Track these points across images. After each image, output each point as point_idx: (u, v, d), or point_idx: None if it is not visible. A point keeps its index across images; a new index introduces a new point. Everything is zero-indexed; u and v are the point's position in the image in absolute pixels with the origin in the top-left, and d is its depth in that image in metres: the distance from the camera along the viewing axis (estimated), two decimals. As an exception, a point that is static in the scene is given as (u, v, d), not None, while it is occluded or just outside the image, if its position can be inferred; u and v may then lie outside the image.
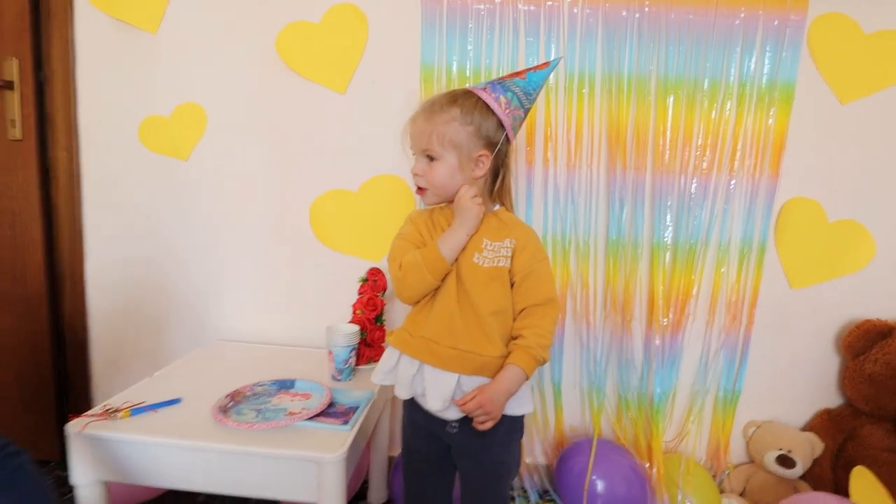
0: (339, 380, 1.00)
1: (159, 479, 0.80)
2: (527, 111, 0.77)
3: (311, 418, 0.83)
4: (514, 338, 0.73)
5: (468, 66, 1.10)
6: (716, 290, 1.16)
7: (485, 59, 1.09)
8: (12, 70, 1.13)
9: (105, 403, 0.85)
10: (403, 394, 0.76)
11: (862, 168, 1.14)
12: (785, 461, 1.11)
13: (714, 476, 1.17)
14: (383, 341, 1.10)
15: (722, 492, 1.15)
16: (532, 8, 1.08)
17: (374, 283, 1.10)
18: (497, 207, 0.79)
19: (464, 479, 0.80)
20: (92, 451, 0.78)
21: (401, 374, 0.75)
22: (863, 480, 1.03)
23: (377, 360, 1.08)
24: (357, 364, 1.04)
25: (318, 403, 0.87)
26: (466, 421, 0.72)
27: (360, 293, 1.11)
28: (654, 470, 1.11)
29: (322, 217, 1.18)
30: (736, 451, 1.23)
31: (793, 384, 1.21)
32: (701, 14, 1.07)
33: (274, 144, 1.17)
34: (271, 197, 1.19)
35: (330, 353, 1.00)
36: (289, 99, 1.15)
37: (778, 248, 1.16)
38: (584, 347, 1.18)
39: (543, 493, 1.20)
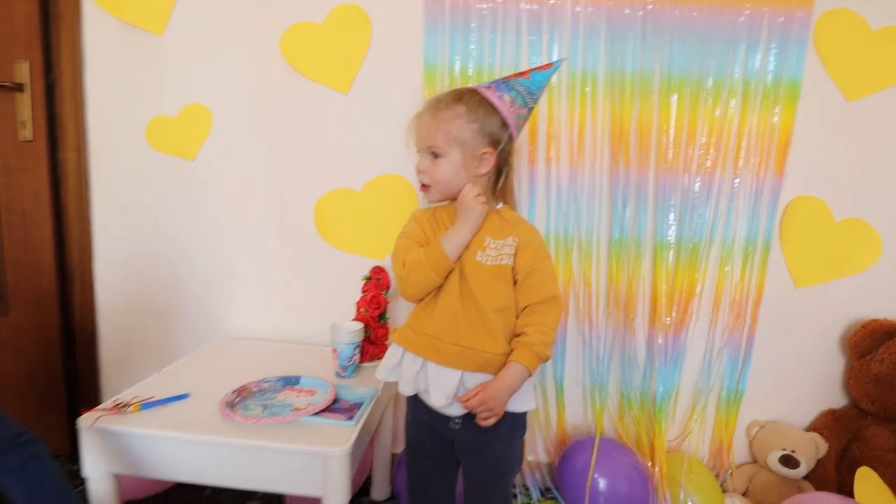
0: (343, 377, 1.02)
1: (168, 471, 0.82)
2: (530, 110, 0.78)
3: (316, 414, 0.84)
4: (517, 335, 0.73)
5: (471, 66, 1.10)
6: (719, 289, 1.16)
7: (487, 58, 1.10)
8: (23, 72, 1.15)
9: (115, 398, 0.87)
10: (407, 390, 0.77)
11: (869, 166, 1.13)
12: (788, 461, 1.11)
13: (717, 475, 1.17)
14: (387, 339, 1.11)
15: (725, 491, 1.15)
16: (535, 7, 1.08)
17: (377, 282, 1.11)
18: (500, 206, 0.79)
19: (467, 475, 0.81)
20: (103, 444, 0.80)
21: (404, 370, 0.76)
22: (868, 481, 1.03)
23: (381, 358, 1.09)
24: (361, 361, 1.06)
25: (323, 399, 0.88)
26: (469, 417, 0.73)
27: (363, 291, 1.12)
28: (657, 469, 1.12)
29: (326, 216, 1.19)
30: (739, 451, 1.22)
31: (797, 384, 1.20)
32: (705, 11, 1.07)
33: (278, 144, 1.18)
34: (276, 196, 1.20)
35: (334, 350, 1.01)
36: (293, 99, 1.16)
37: (783, 246, 1.15)
38: (586, 346, 1.18)
39: (545, 491, 1.21)
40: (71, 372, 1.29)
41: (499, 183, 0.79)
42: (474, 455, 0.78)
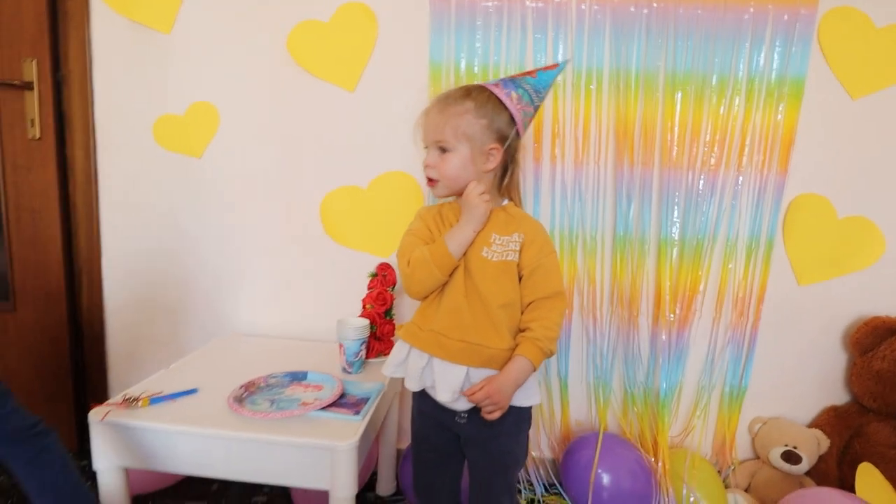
0: (349, 372, 1.03)
1: (177, 465, 0.83)
2: (536, 108, 0.79)
3: (323, 408, 0.85)
4: (522, 330, 0.74)
5: (476, 64, 1.10)
6: (723, 286, 1.16)
7: (493, 56, 1.10)
8: (32, 71, 1.16)
9: (125, 392, 0.88)
10: (413, 386, 0.77)
11: (872, 164, 1.13)
12: (790, 457, 1.12)
13: (719, 471, 1.18)
14: (392, 335, 1.12)
15: (727, 487, 1.16)
16: (540, 5, 1.09)
17: (383, 278, 1.11)
18: (505, 202, 0.80)
19: (472, 468, 0.82)
20: (113, 438, 0.81)
21: (410, 366, 0.77)
22: (869, 477, 1.03)
23: (387, 354, 1.11)
24: (367, 357, 1.06)
25: (330, 394, 0.89)
26: (475, 411, 0.74)
27: (369, 288, 1.13)
28: (660, 464, 1.12)
29: (332, 213, 1.20)
30: (742, 447, 1.23)
31: (799, 381, 1.21)
32: (709, 9, 1.07)
33: (285, 142, 1.19)
34: (283, 193, 1.21)
35: (341, 346, 1.02)
36: (299, 97, 1.17)
37: (786, 244, 1.16)
38: (590, 342, 1.19)
39: (549, 487, 1.22)
40: (79, 368, 1.30)
41: (505, 179, 0.79)
42: (480, 449, 0.79)
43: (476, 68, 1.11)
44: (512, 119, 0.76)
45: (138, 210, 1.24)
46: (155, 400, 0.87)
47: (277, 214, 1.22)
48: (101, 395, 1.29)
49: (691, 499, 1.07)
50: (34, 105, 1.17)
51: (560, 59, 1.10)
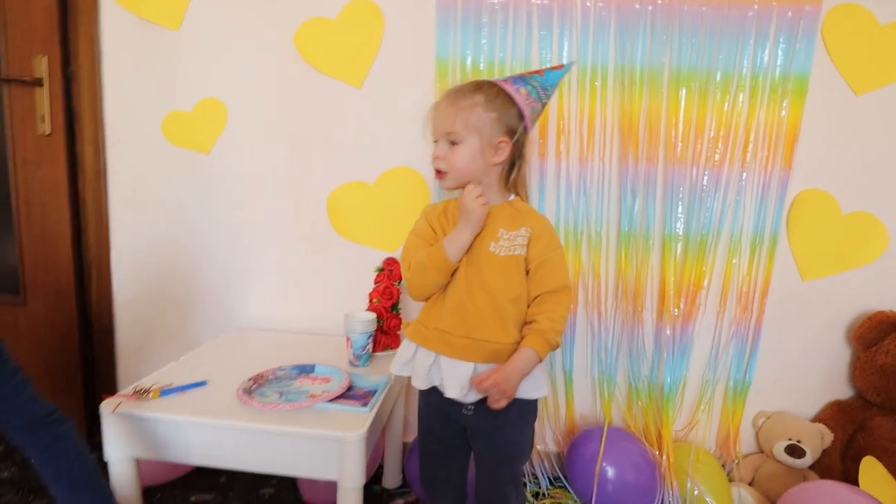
0: (356, 365, 1.04)
1: (188, 456, 0.84)
2: (543, 105, 0.80)
3: (331, 400, 0.86)
4: (528, 323, 0.75)
5: (482, 60, 1.11)
6: (727, 281, 1.17)
7: (498, 52, 1.11)
8: (42, 67, 1.17)
9: (135, 384, 0.89)
10: (421, 384, 0.78)
11: (876, 160, 1.14)
12: (794, 451, 1.12)
13: (723, 465, 1.19)
14: (399, 329, 1.13)
15: (731, 480, 1.17)
16: (545, 2, 1.09)
17: (390, 273, 1.12)
18: (512, 197, 0.81)
19: (478, 459, 0.83)
20: (124, 429, 0.82)
21: (418, 365, 0.78)
22: (872, 470, 1.04)
23: (393, 347, 1.12)
24: (374, 351, 1.07)
25: (337, 387, 0.90)
26: (481, 403, 0.75)
27: (376, 282, 1.14)
28: (664, 458, 1.13)
29: (339, 208, 1.21)
30: (746, 442, 1.24)
31: (803, 375, 1.22)
32: (714, 6, 1.08)
33: (293, 138, 1.20)
34: (290, 189, 1.22)
35: (348, 339, 1.03)
36: (307, 93, 1.18)
37: (790, 239, 1.17)
38: (595, 337, 1.20)
39: (554, 480, 1.22)
40: (88, 362, 1.31)
41: (512, 174, 0.80)
42: (486, 440, 0.80)
43: (482, 65, 1.12)
44: (520, 114, 0.76)
45: (147, 205, 1.25)
46: (165, 392, 0.88)
47: (285, 210, 1.23)
48: (109, 389, 1.30)
49: (695, 492, 1.08)
50: (44, 101, 1.18)
51: (565, 55, 1.11)
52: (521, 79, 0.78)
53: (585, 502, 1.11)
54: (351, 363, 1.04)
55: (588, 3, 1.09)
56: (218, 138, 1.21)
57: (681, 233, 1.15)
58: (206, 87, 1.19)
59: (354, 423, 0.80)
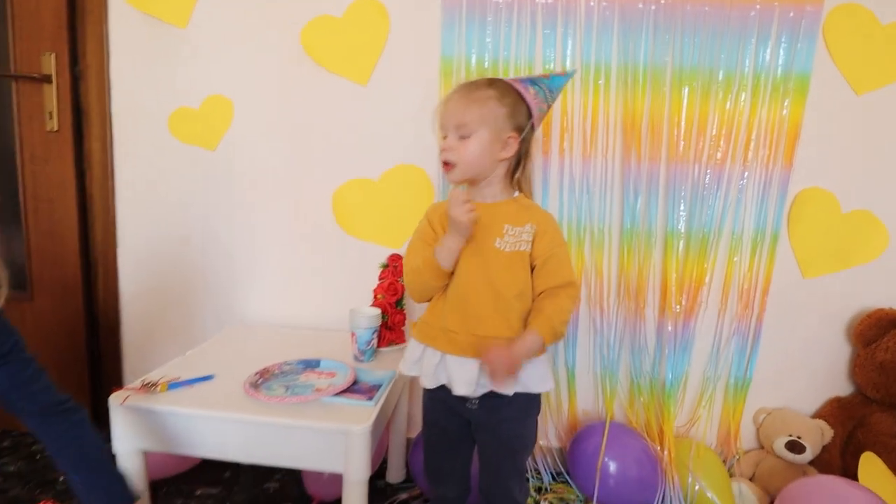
0: (361, 360, 1.05)
1: (195, 448, 0.85)
2: (548, 107, 0.82)
3: (337, 394, 0.87)
4: (535, 312, 0.76)
5: (487, 59, 1.12)
6: (728, 279, 1.18)
7: (503, 51, 1.12)
8: (50, 64, 1.18)
9: (144, 377, 0.90)
10: (429, 383, 0.78)
11: (877, 159, 1.14)
12: (794, 446, 1.13)
13: (724, 460, 1.20)
14: (403, 325, 1.14)
15: (732, 476, 1.18)
16: (549, 1, 1.10)
17: (394, 269, 1.13)
18: (517, 194, 0.82)
19: (482, 452, 0.83)
20: (132, 421, 0.83)
21: (425, 364, 0.79)
22: (871, 466, 1.05)
23: (398, 343, 1.13)
24: (378, 346, 1.08)
25: (343, 381, 0.91)
26: (486, 397, 0.76)
27: (380, 278, 1.14)
28: (666, 453, 1.14)
29: (344, 205, 1.22)
30: (746, 437, 1.25)
31: (803, 372, 1.23)
32: (716, 6, 1.09)
33: (298, 135, 1.21)
34: (295, 186, 1.23)
35: (353, 334, 1.04)
36: (313, 91, 1.19)
37: (791, 237, 1.18)
38: (597, 333, 1.21)
39: (557, 475, 1.23)
40: (94, 357, 1.32)
41: (517, 172, 0.81)
42: (490, 433, 0.80)
43: (486, 63, 1.13)
44: (529, 112, 0.78)
45: (153, 201, 1.26)
46: (173, 385, 0.89)
47: (290, 206, 1.24)
48: (115, 383, 1.30)
49: (696, 487, 1.09)
50: (52, 98, 1.19)
51: (569, 54, 1.12)
52: (530, 79, 0.80)
53: (587, 497, 1.12)
54: (356, 358, 1.05)
55: (592, 3, 1.10)
56: (224, 135, 1.22)
57: (683, 230, 1.16)
58: (213, 84, 1.21)
59: (360, 417, 0.81)
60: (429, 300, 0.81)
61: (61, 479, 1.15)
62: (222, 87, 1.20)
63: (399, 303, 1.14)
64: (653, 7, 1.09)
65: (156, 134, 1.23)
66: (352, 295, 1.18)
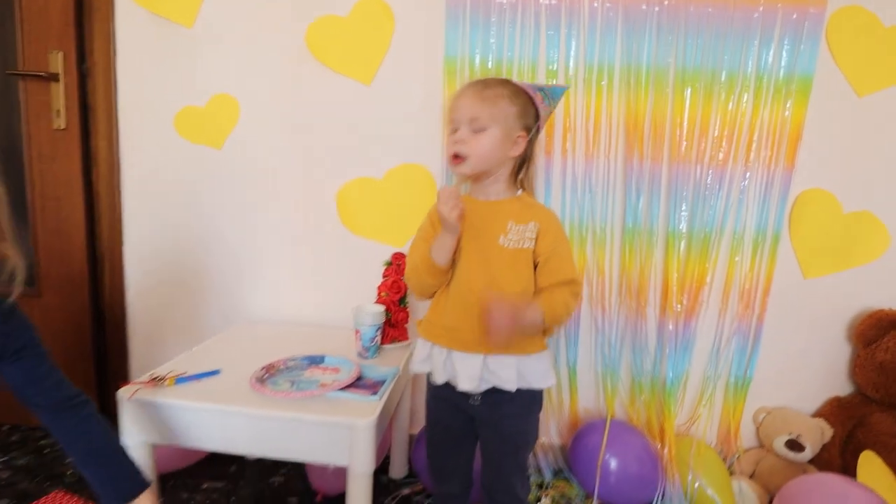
0: (365, 357, 1.06)
1: (202, 441, 0.86)
2: (548, 113, 0.84)
3: (341, 389, 0.88)
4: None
5: (490, 59, 1.13)
6: (729, 279, 1.19)
7: (506, 51, 1.13)
8: (57, 62, 1.19)
9: (151, 372, 0.91)
10: (439, 379, 0.80)
11: (878, 161, 1.15)
12: (794, 445, 1.14)
13: (724, 459, 1.20)
14: (406, 322, 1.15)
15: (732, 474, 1.18)
16: (553, 2, 1.11)
17: (398, 267, 1.14)
18: (520, 192, 0.83)
19: (484, 449, 0.85)
20: (141, 415, 0.84)
21: (434, 361, 0.80)
22: (870, 464, 1.06)
23: (401, 340, 1.14)
24: (382, 343, 1.10)
25: (347, 376, 0.92)
26: (488, 394, 0.77)
27: (384, 276, 1.16)
28: (666, 451, 1.15)
29: (349, 204, 1.23)
30: (746, 436, 1.26)
31: (804, 371, 1.23)
32: (719, 7, 1.09)
33: (303, 134, 1.22)
34: (300, 184, 1.24)
35: (357, 331, 1.05)
36: (317, 90, 1.20)
37: (792, 238, 1.18)
38: (599, 332, 1.22)
39: (558, 472, 1.24)
40: (101, 352, 1.34)
41: (521, 173, 0.83)
42: (492, 429, 0.81)
43: (490, 63, 1.13)
44: (537, 114, 0.80)
45: (159, 199, 1.28)
46: (180, 380, 0.90)
47: (295, 205, 1.25)
48: (122, 378, 1.33)
49: (696, 485, 1.10)
50: (60, 96, 1.21)
51: (573, 54, 1.13)
52: (535, 86, 0.82)
53: (588, 493, 1.13)
54: (360, 355, 1.06)
55: (595, 4, 1.11)
56: (230, 134, 1.23)
57: (684, 230, 1.16)
58: (219, 83, 1.22)
59: (365, 411, 0.82)
60: (431, 297, 0.82)
61: (69, 472, 1.16)
62: (228, 86, 1.21)
63: (402, 300, 1.15)
64: (656, 8, 1.10)
65: (162, 132, 1.24)
66: (356, 292, 1.19)
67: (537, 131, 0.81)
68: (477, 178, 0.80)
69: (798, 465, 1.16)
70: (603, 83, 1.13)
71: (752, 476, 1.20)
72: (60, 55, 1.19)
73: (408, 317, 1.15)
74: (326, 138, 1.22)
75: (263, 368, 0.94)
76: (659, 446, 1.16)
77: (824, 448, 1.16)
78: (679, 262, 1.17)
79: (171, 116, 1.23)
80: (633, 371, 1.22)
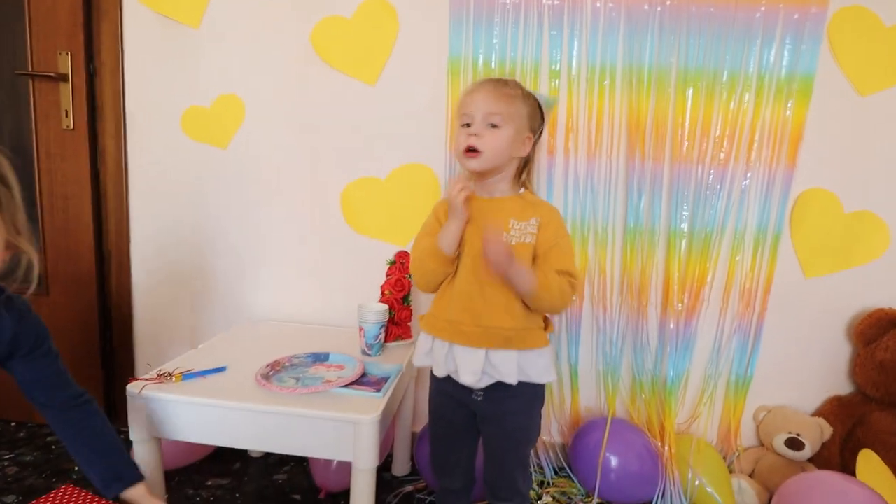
0: (369, 355, 1.07)
1: (209, 436, 0.88)
2: (545, 120, 0.86)
3: (346, 386, 0.89)
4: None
5: (493, 59, 1.14)
6: (730, 278, 1.19)
7: (510, 51, 1.14)
8: (66, 63, 1.21)
9: (159, 368, 0.93)
10: (440, 372, 0.81)
11: (879, 160, 1.15)
12: (794, 443, 1.15)
13: (724, 457, 1.21)
14: (410, 321, 1.17)
15: (732, 472, 1.19)
16: (556, 2, 1.12)
17: (401, 266, 1.16)
18: (522, 191, 0.84)
19: (487, 444, 0.86)
20: (148, 410, 0.86)
21: (436, 355, 0.82)
22: (870, 463, 1.06)
23: (404, 338, 1.15)
24: (385, 341, 1.11)
25: (351, 373, 0.94)
26: (490, 389, 0.78)
27: (388, 275, 1.17)
28: (667, 449, 1.16)
29: (352, 203, 1.25)
30: (746, 435, 1.26)
31: (804, 370, 1.24)
32: (721, 7, 1.10)
33: (307, 134, 1.23)
34: (304, 184, 1.25)
35: (361, 329, 1.06)
36: (322, 90, 1.21)
37: (793, 237, 1.19)
38: (600, 331, 1.23)
39: (559, 470, 1.26)
40: (107, 349, 1.35)
41: (523, 174, 0.84)
42: (495, 424, 0.83)
43: (493, 64, 1.14)
44: (542, 117, 0.82)
45: (166, 198, 1.29)
46: (187, 376, 0.92)
47: (299, 204, 1.26)
48: (128, 375, 1.34)
49: (696, 483, 1.10)
50: (68, 96, 1.22)
51: (575, 54, 1.14)
52: (535, 93, 0.84)
53: (589, 491, 1.14)
54: (363, 352, 1.07)
55: (598, 4, 1.12)
56: (235, 134, 1.25)
57: (685, 230, 1.17)
58: (225, 83, 1.23)
59: (369, 407, 0.84)
60: (434, 290, 0.83)
61: (76, 468, 1.18)
62: (234, 87, 1.23)
63: (406, 299, 1.16)
64: (658, 9, 1.11)
65: (169, 132, 1.25)
66: (359, 291, 1.20)
67: (540, 134, 0.83)
68: (483, 175, 0.81)
69: (797, 463, 1.17)
70: (605, 83, 1.14)
71: (751, 474, 1.20)
72: (69, 56, 1.21)
73: (411, 315, 1.17)
74: (331, 138, 1.23)
75: (269, 365, 0.95)
76: (659, 444, 1.17)
77: (824, 446, 1.17)
78: (680, 261, 1.18)
79: (178, 116, 1.25)
80: (634, 370, 1.23)
